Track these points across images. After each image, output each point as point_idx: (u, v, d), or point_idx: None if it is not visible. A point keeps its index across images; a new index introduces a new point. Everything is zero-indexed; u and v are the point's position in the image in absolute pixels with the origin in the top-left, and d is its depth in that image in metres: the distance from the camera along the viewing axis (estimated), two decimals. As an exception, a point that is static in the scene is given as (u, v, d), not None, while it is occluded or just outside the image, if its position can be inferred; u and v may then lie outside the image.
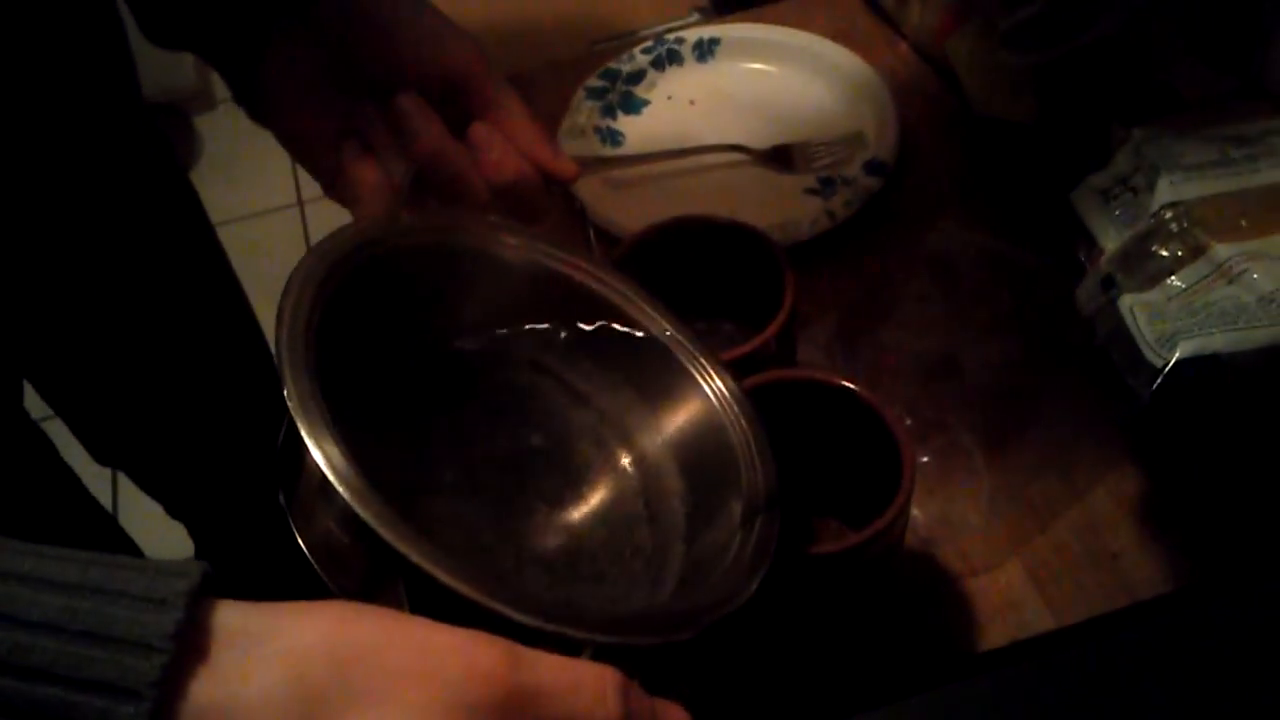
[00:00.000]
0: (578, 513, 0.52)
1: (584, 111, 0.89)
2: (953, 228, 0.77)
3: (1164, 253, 0.62)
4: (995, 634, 0.60)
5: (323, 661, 0.33)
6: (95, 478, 1.04)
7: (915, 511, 0.63)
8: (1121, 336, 0.60)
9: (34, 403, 0.91)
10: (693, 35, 0.94)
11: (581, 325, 0.56)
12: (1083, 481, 0.65)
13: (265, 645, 0.33)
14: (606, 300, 0.56)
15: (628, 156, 0.85)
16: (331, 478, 0.39)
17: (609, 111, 0.90)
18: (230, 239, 0.98)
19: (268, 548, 0.80)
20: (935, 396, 0.68)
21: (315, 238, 0.55)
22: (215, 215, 0.94)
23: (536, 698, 0.35)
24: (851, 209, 0.79)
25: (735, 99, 0.91)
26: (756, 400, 0.54)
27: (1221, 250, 0.60)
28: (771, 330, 0.61)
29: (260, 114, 0.63)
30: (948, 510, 0.64)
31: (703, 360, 0.55)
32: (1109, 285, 0.63)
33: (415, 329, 0.53)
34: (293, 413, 0.41)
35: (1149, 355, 0.57)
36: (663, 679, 0.41)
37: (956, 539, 0.63)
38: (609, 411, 0.55)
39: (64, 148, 0.75)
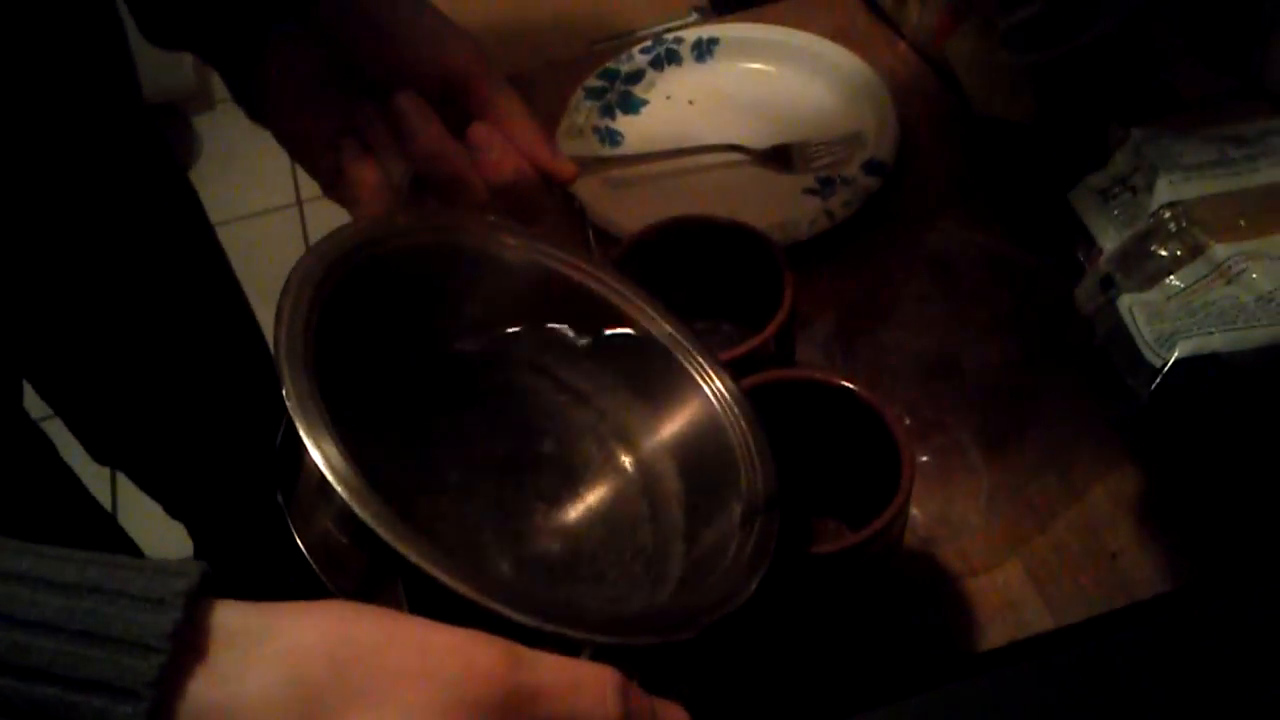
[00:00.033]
0: (577, 513, 0.52)
1: (583, 111, 0.89)
2: (952, 227, 0.77)
3: (1163, 252, 0.62)
4: (994, 634, 0.60)
5: (322, 661, 0.33)
6: (95, 477, 1.04)
7: (914, 511, 0.63)
8: (1120, 336, 0.60)
9: (33, 402, 0.91)
10: (691, 35, 0.94)
11: (581, 325, 0.56)
12: (1082, 481, 0.65)
13: (264, 645, 0.33)
14: (606, 300, 0.56)
15: (627, 156, 0.85)
16: (330, 477, 0.39)
17: (608, 111, 0.90)
18: (229, 239, 0.98)
19: (267, 547, 0.80)
20: (934, 396, 0.68)
21: (314, 237, 0.55)
22: (214, 215, 0.94)
23: (536, 698, 0.35)
24: (850, 209, 0.79)
25: (734, 99, 0.91)
26: (756, 400, 0.54)
27: (1220, 250, 0.60)
28: (770, 330, 0.61)
29: (259, 114, 0.63)
30: (947, 510, 0.64)
31: (702, 360, 0.55)
32: (1108, 285, 0.63)
33: (414, 329, 0.53)
34: (291, 412, 0.41)
35: (1148, 355, 0.57)
36: (662, 679, 0.41)
37: (956, 539, 0.63)
38: (608, 411, 0.55)
39: (64, 147, 0.75)
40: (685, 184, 0.84)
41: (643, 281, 0.57)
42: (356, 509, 0.39)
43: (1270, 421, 0.61)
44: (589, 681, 0.36)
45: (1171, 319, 0.58)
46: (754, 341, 0.60)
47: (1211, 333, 0.56)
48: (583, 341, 0.56)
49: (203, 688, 0.32)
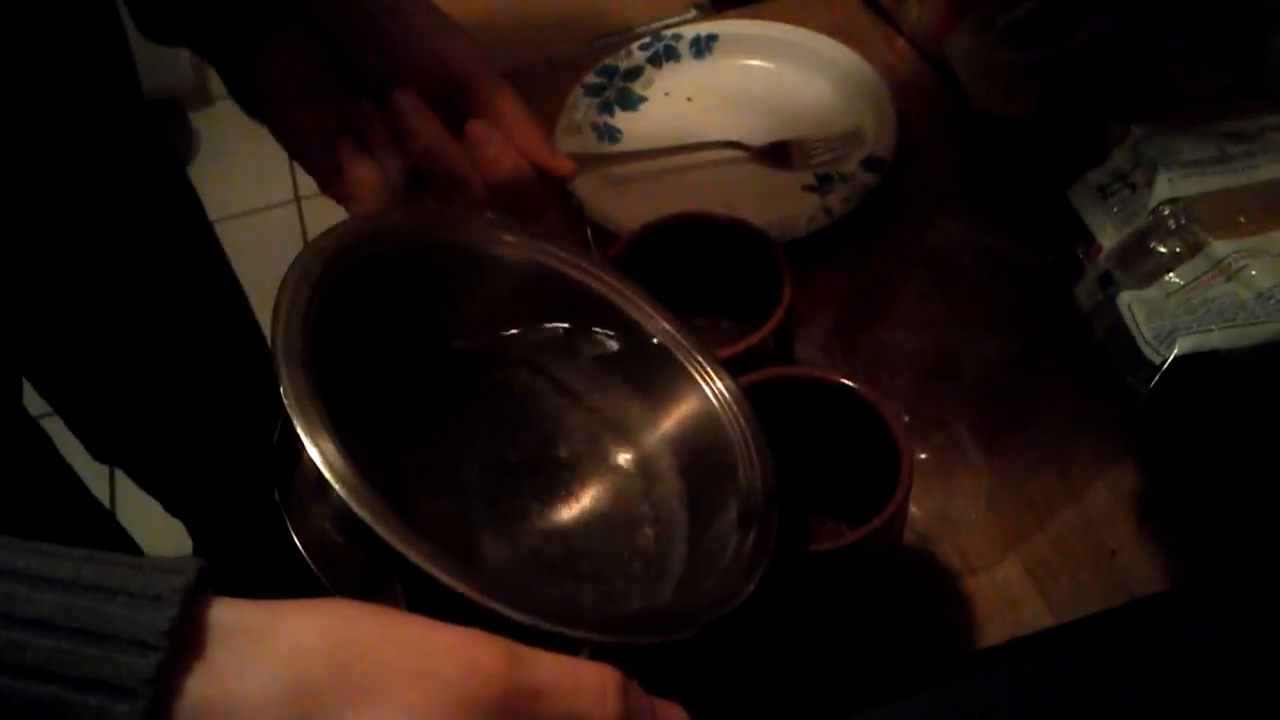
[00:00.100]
0: (575, 512, 0.52)
1: (581, 108, 0.89)
2: (951, 225, 0.77)
3: (1162, 249, 0.62)
4: (994, 631, 0.60)
5: (321, 660, 0.33)
6: (94, 475, 1.04)
7: (914, 509, 0.63)
8: (1120, 333, 0.60)
9: (32, 400, 0.91)
10: (690, 32, 0.94)
11: (579, 324, 0.56)
12: (1081, 479, 0.65)
13: (263, 643, 0.33)
14: (604, 298, 0.56)
15: (625, 153, 0.85)
16: (328, 475, 0.39)
17: (606, 108, 0.90)
18: (227, 235, 0.98)
19: (266, 545, 0.80)
20: (933, 394, 0.68)
21: (312, 234, 0.54)
22: (212, 212, 0.94)
23: (536, 697, 0.35)
24: (849, 206, 0.79)
25: (733, 95, 0.90)
26: (754, 398, 0.54)
27: (1220, 247, 0.60)
28: (769, 327, 0.61)
29: (256, 110, 0.62)
30: (946, 508, 0.64)
31: (700, 359, 0.55)
32: (1107, 282, 0.63)
33: (412, 327, 0.52)
34: (289, 409, 0.41)
35: (1147, 352, 0.57)
36: (662, 678, 0.41)
37: (955, 536, 0.63)
38: (607, 410, 0.55)
39: (63, 144, 0.75)
40: (684, 181, 0.83)
41: (641, 278, 0.57)
42: (354, 507, 0.39)
43: (1270, 419, 0.61)
44: (589, 681, 0.36)
45: (1171, 316, 0.58)
46: (752, 339, 0.60)
47: (1211, 330, 0.56)
48: (581, 340, 0.56)
49: (201, 685, 0.32)
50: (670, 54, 0.93)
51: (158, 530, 1.18)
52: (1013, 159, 0.80)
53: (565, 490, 0.53)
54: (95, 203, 0.79)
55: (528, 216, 0.61)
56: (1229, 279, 0.59)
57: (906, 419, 0.65)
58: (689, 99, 0.91)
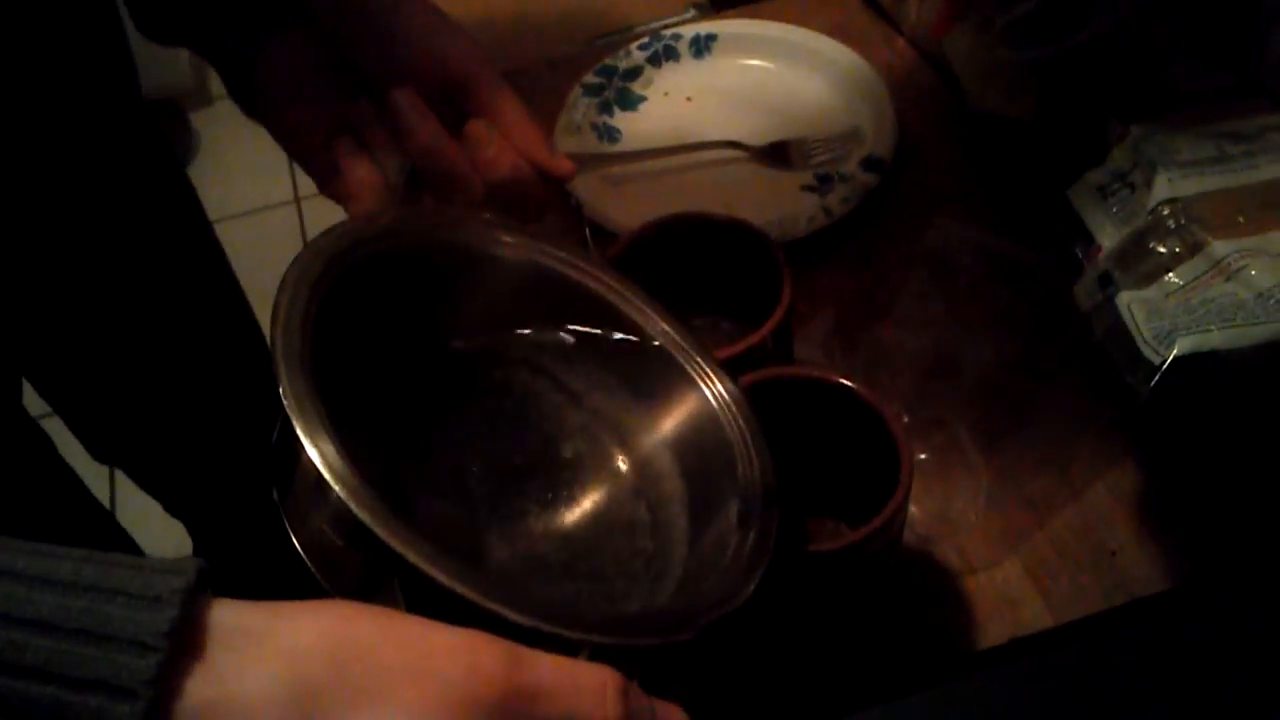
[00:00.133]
0: (575, 513, 0.52)
1: (580, 108, 0.89)
2: (950, 224, 0.77)
3: (1162, 249, 0.62)
4: (994, 631, 0.60)
5: (321, 660, 0.33)
6: (94, 475, 1.03)
7: (913, 509, 0.63)
8: (1119, 333, 0.60)
9: (32, 400, 0.91)
10: (689, 31, 0.94)
11: (578, 324, 0.56)
12: (1081, 479, 0.65)
13: (263, 644, 0.33)
14: (603, 299, 0.56)
15: (624, 153, 0.85)
16: (327, 475, 0.39)
17: (606, 108, 0.90)
18: (227, 235, 0.98)
19: (267, 545, 0.80)
20: (933, 394, 0.68)
21: (312, 234, 0.54)
22: (211, 212, 0.94)
23: (536, 698, 0.35)
24: (849, 206, 0.79)
25: (732, 95, 0.90)
26: (754, 398, 0.54)
27: (1219, 247, 0.60)
28: (768, 327, 0.61)
29: (255, 110, 0.62)
30: (946, 508, 0.64)
31: (699, 359, 0.55)
32: (1107, 282, 0.63)
33: (411, 327, 0.52)
34: (288, 410, 0.41)
35: (1147, 352, 0.57)
36: (661, 679, 0.41)
37: (955, 536, 0.63)
38: (606, 411, 0.55)
39: (63, 144, 0.75)
40: (683, 181, 0.83)
41: (640, 278, 0.57)
42: (354, 508, 0.39)
43: (1269, 418, 0.61)
44: (589, 682, 0.36)
45: (1170, 316, 0.58)
46: (752, 339, 0.60)
47: (1210, 330, 0.56)
48: (580, 341, 0.56)
49: (200, 686, 0.32)
50: (670, 54, 0.93)
51: (158, 530, 1.18)
52: (1012, 159, 0.80)
53: (565, 491, 0.53)
54: (95, 203, 0.79)
55: (527, 217, 0.61)
56: (1228, 279, 0.59)
57: (906, 419, 0.65)
58: (688, 99, 0.91)
